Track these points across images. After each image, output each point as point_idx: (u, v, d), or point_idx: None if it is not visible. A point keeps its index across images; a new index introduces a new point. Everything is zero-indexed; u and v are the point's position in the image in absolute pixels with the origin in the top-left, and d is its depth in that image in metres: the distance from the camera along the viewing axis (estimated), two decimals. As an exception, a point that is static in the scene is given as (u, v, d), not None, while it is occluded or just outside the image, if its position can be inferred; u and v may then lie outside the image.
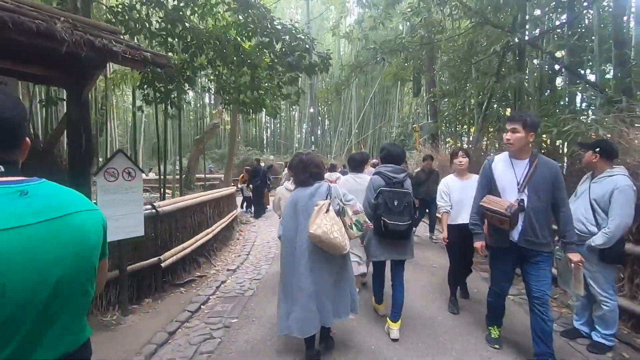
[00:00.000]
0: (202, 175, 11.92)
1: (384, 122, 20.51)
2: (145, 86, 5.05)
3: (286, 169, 7.44)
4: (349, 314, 2.58)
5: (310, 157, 2.68)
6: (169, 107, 5.66)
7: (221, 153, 21.17)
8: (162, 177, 6.37)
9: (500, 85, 6.16)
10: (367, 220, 2.64)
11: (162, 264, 4.09)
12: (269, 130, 29.84)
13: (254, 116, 5.63)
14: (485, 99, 7.09)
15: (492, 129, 8.12)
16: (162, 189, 6.20)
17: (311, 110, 18.60)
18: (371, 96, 20.10)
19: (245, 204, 11.21)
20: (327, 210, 2.38)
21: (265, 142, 28.59)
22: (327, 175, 4.83)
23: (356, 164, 4.05)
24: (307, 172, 2.56)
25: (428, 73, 8.38)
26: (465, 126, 10.00)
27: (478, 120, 7.63)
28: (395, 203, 2.92)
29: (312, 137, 18.52)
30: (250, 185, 10.28)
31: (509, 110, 8.28)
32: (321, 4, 21.80)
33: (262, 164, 11.36)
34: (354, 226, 2.51)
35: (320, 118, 27.10)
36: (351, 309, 2.60)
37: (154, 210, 4.05)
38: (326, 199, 2.47)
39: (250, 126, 28.14)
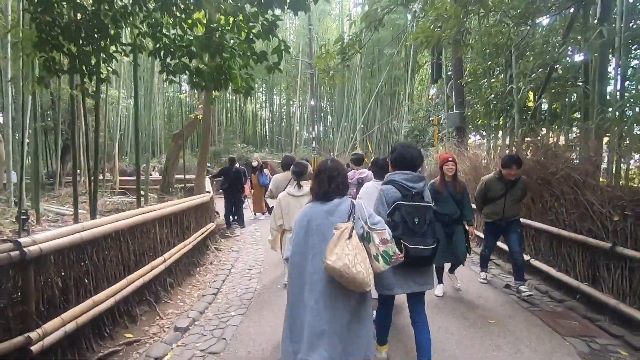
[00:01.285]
0: (183, 176, 10.13)
1: (393, 115, 18.64)
2: (48, 47, 3.26)
3: (264, 170, 5.79)
4: (362, 357, 1.96)
5: (336, 165, 2.14)
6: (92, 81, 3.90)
7: (214, 151, 19.37)
8: (91, 179, 4.62)
9: (572, 45, 4.27)
10: (397, 251, 1.98)
11: (35, 346, 2.31)
12: (267, 127, 28.03)
13: (218, 95, 3.81)
14: (539, 78, 5.24)
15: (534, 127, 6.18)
16: (91, 199, 4.43)
17: (312, 102, 16.77)
18: (377, 88, 18.24)
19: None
20: (350, 236, 1.83)
21: (265, 139, 26.79)
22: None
23: (379, 169, 3.45)
24: (334, 184, 2.04)
25: (456, 44, 6.44)
26: (494, 118, 8.12)
27: (523, 110, 5.79)
28: (416, 221, 2.35)
29: (314, 133, 16.71)
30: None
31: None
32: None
33: (256, 163, 9.55)
34: (380, 257, 1.91)
35: (322, 114, 25.28)
36: (366, 354, 1.98)
37: (16, 253, 2.26)
38: (348, 220, 1.91)
39: (248, 123, 26.42)
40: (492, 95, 5.99)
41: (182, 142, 9.66)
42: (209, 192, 6.25)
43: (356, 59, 18.89)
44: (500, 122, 8.98)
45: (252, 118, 27.04)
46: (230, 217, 8.60)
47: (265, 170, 9.50)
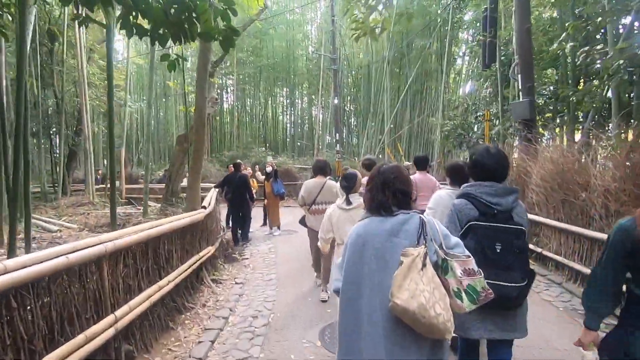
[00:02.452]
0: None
1: (425, 114, 16.81)
2: None
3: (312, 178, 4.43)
4: None
5: (393, 168, 1.65)
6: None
7: (231, 156, 18.19)
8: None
9: None
10: (486, 286, 1.46)
11: None
12: (288, 131, 26.66)
13: (181, 61, 2.33)
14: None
15: None
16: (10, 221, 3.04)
17: (335, 101, 15.25)
18: (407, 85, 16.47)
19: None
20: (424, 265, 1.38)
21: (286, 143, 25.40)
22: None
23: (455, 174, 2.77)
24: (390, 191, 1.57)
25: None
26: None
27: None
28: (498, 248, 1.79)
29: (337, 135, 15.15)
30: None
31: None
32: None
33: (270, 169, 8.09)
34: (464, 295, 1.43)
35: (346, 116, 23.71)
36: None
37: None
38: (418, 243, 1.44)
39: (269, 127, 25.25)
40: (621, 62, 4.18)
41: (188, 145, 8.33)
42: (204, 207, 4.80)
43: (383, 53, 17.29)
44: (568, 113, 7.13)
45: (273, 122, 25.84)
46: (238, 232, 7.25)
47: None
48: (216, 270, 5.21)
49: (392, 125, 16.41)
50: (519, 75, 6.23)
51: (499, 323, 1.86)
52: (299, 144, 24.42)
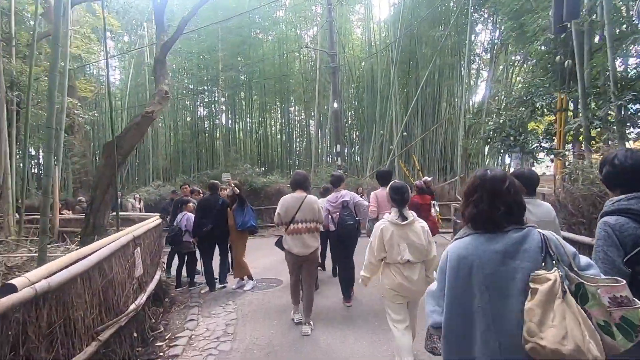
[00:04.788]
0: (119, 214, 5.89)
1: (442, 119, 14.15)
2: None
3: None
4: None
5: (504, 175, 1.35)
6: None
7: (214, 175, 15.37)
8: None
9: None
10: None
11: None
12: (280, 147, 23.79)
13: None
14: None
15: None
16: None
17: (335, 105, 12.57)
18: (420, 87, 13.89)
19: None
20: (565, 293, 1.13)
21: (280, 160, 22.58)
22: (321, 202, 4.25)
23: (531, 184, 2.45)
24: (502, 203, 1.28)
25: None
26: None
27: None
28: None
29: (337, 147, 12.45)
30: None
31: None
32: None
33: (229, 191, 5.23)
34: (614, 329, 1.12)
35: (348, 130, 21.06)
36: None
37: None
38: (544, 264, 1.19)
39: (260, 143, 22.60)
40: None
41: (115, 158, 5.53)
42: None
43: (390, 54, 14.82)
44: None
45: (265, 136, 23.16)
46: (214, 276, 5.18)
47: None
48: None
49: (405, 133, 13.69)
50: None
51: None
52: (297, 162, 21.64)
